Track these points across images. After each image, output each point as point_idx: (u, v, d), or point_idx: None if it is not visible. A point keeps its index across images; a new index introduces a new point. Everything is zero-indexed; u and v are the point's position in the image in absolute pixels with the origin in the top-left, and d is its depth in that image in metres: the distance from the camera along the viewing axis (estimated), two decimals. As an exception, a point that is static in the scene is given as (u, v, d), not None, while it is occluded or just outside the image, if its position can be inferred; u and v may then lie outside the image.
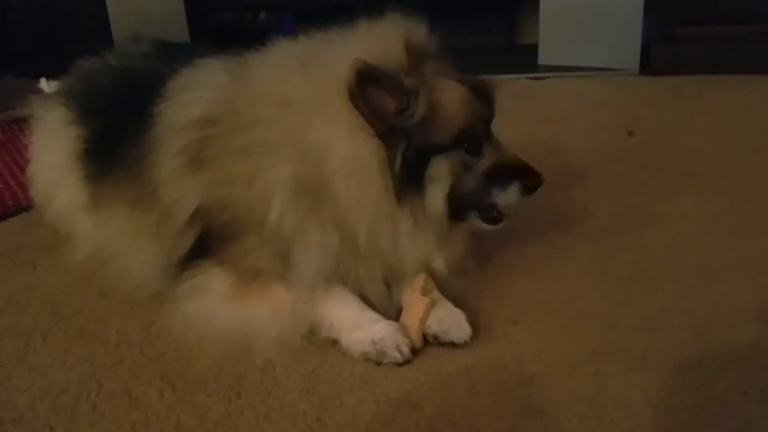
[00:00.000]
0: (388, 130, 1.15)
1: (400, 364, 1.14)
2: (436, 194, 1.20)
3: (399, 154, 1.15)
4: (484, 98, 1.26)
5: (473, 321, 1.22)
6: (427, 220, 1.21)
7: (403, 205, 1.18)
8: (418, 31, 1.26)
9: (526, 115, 2.77)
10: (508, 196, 1.26)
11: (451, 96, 1.20)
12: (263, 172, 1.19)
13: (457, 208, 1.24)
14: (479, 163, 1.24)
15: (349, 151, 1.14)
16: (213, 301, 1.25)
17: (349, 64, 1.12)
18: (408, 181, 1.17)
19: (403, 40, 1.20)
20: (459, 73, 1.26)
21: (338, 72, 1.14)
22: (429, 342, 1.20)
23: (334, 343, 1.20)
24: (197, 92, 1.33)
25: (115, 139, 1.47)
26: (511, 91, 3.25)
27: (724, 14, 3.34)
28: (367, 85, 1.12)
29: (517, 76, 3.57)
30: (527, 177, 1.26)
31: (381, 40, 1.21)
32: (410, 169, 1.16)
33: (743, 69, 3.25)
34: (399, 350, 1.14)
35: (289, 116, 1.19)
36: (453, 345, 1.18)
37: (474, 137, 1.22)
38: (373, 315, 1.21)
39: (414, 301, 1.21)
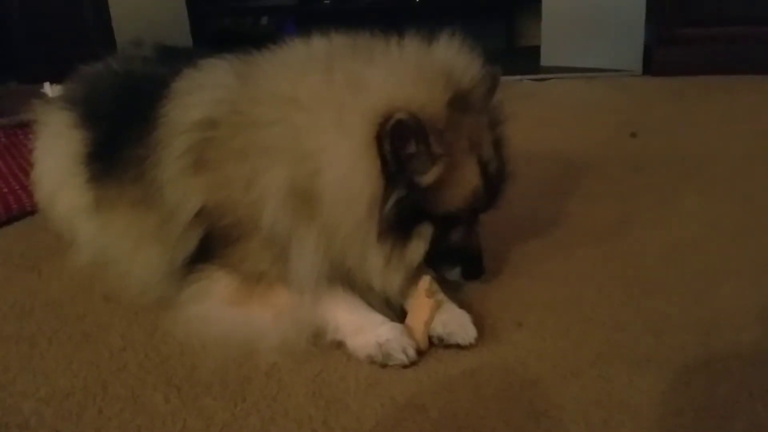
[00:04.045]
0: (394, 173, 1.13)
1: (405, 366, 1.14)
2: (419, 250, 1.20)
3: (394, 199, 1.14)
4: (492, 190, 1.25)
5: (478, 323, 1.22)
6: (400, 264, 1.20)
7: (382, 243, 1.16)
8: (471, 67, 1.22)
9: (528, 117, 2.77)
10: (449, 273, 1.29)
11: (464, 183, 1.19)
12: (261, 174, 1.19)
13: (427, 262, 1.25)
14: (450, 236, 1.24)
15: (348, 172, 1.13)
16: (216, 306, 1.25)
17: (388, 97, 1.11)
18: (394, 225, 1.15)
19: (452, 88, 1.16)
20: (491, 128, 1.25)
21: (373, 95, 1.13)
22: (434, 344, 1.20)
23: (339, 345, 1.20)
24: (201, 94, 1.33)
25: (117, 142, 1.48)
26: (513, 92, 3.25)
27: (726, 15, 3.35)
28: (402, 134, 1.10)
29: (519, 77, 3.58)
30: (471, 266, 1.29)
31: (428, 77, 1.16)
32: (400, 217, 1.15)
33: (746, 70, 3.25)
34: (404, 352, 1.14)
35: (292, 117, 1.18)
36: (458, 347, 1.18)
37: (457, 220, 1.23)
38: (378, 317, 1.21)
39: (419, 304, 1.21)
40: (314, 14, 4.25)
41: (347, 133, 1.13)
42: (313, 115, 1.17)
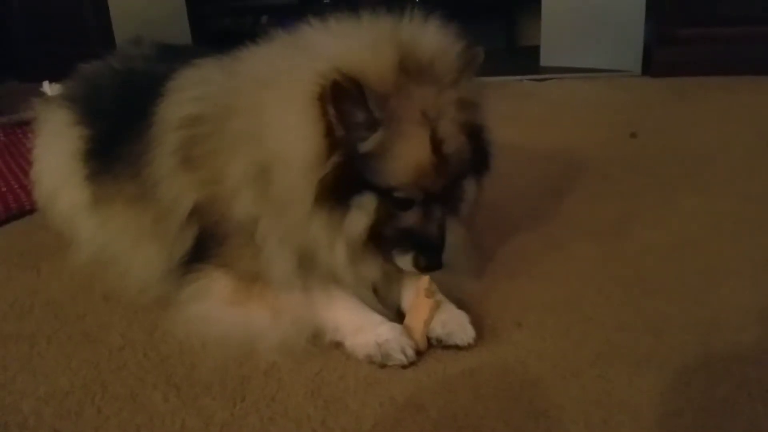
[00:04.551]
0: (340, 138, 1.10)
1: (404, 367, 1.14)
2: (358, 222, 1.15)
3: (332, 163, 1.10)
4: (446, 171, 1.15)
5: (477, 324, 1.22)
6: (340, 236, 1.15)
7: (319, 210, 1.12)
8: (437, 41, 1.18)
9: (527, 117, 2.78)
10: (400, 260, 1.20)
11: (408, 156, 1.11)
12: (232, 164, 1.19)
13: (379, 244, 1.20)
14: (402, 218, 1.18)
15: (288, 136, 1.11)
16: (215, 305, 1.26)
17: (332, 60, 1.08)
18: (333, 192, 1.11)
19: (405, 55, 1.12)
20: (459, 107, 1.15)
21: (318, 59, 1.11)
22: (433, 345, 1.20)
23: (339, 345, 1.20)
24: (191, 91, 1.34)
25: (116, 139, 1.49)
26: (513, 92, 3.26)
27: (725, 15, 3.34)
28: (339, 96, 1.07)
29: (519, 77, 3.58)
30: (423, 255, 1.18)
31: (378, 43, 1.14)
32: (338, 184, 1.11)
33: (745, 70, 3.26)
34: (404, 352, 1.14)
35: (260, 99, 1.17)
36: (457, 348, 1.18)
37: (406, 198, 1.15)
38: (376, 317, 1.21)
39: (418, 304, 1.21)
40: (315, 13, 4.25)
41: (290, 98, 1.12)
42: (274, 90, 1.15)
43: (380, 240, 1.19)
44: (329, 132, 1.10)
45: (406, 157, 1.11)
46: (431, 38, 1.18)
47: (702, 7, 3.38)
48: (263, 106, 1.16)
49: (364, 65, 1.09)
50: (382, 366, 1.14)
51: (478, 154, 1.23)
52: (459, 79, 1.17)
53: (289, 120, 1.12)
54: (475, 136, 1.21)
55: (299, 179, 1.11)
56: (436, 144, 1.12)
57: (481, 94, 1.24)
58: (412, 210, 1.17)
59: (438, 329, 1.20)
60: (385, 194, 1.14)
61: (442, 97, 1.14)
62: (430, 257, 1.19)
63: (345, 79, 1.06)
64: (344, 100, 1.07)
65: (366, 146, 1.10)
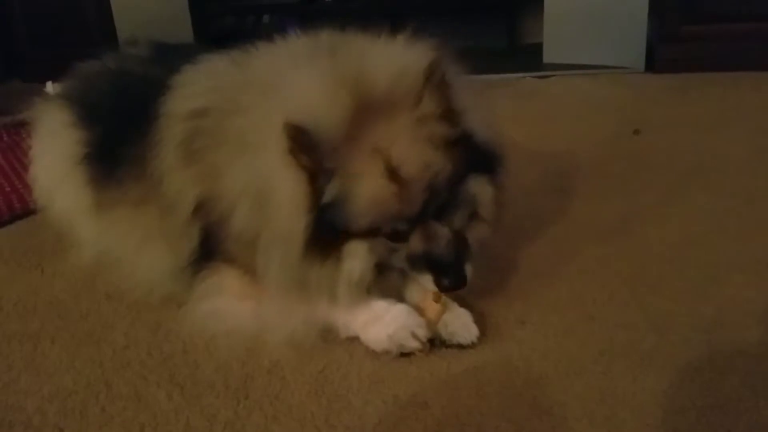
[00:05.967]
0: (320, 186, 1.07)
1: (420, 351, 1.15)
2: (354, 270, 1.13)
3: (307, 219, 1.08)
4: (414, 194, 1.09)
5: (480, 322, 1.22)
6: (337, 286, 1.14)
7: (310, 263, 1.11)
8: (392, 61, 1.13)
9: (530, 114, 2.78)
10: (423, 280, 1.17)
11: (363, 194, 1.07)
12: (232, 169, 1.17)
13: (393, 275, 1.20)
14: (405, 249, 1.14)
15: (280, 178, 1.09)
16: (227, 301, 1.26)
17: (292, 109, 1.06)
18: (319, 245, 1.10)
19: (357, 91, 1.08)
20: (422, 123, 1.09)
21: (284, 103, 1.09)
22: (435, 345, 1.19)
23: (353, 340, 1.20)
24: (198, 84, 1.32)
25: (116, 142, 1.47)
26: (515, 90, 3.25)
27: (728, 12, 3.33)
28: (302, 147, 1.05)
29: (521, 75, 3.57)
30: (441, 275, 1.14)
31: (332, 86, 1.09)
32: (320, 237, 1.09)
33: (749, 67, 3.24)
34: (415, 337, 1.14)
35: (264, 104, 1.15)
36: (460, 347, 1.18)
37: (392, 232, 1.12)
38: (381, 305, 1.19)
39: (426, 307, 1.20)
40: (316, 12, 4.24)
41: (267, 147, 1.10)
42: (281, 105, 1.12)
43: (393, 270, 1.19)
44: (312, 180, 1.07)
45: (363, 195, 1.07)
46: (391, 63, 1.13)
47: (705, 4, 3.36)
48: (268, 113, 1.12)
49: (321, 115, 1.06)
50: (402, 355, 1.15)
51: (474, 157, 1.17)
52: (421, 96, 1.10)
53: (277, 161, 1.09)
54: (461, 142, 1.14)
55: (290, 224, 1.09)
56: (392, 172, 1.07)
57: (460, 99, 1.16)
58: (410, 239, 1.13)
59: (441, 329, 1.20)
60: (371, 235, 1.12)
61: (395, 122, 1.09)
62: (451, 277, 1.14)
63: (293, 130, 1.03)
64: (309, 150, 1.05)
65: (326, 197, 1.07)
